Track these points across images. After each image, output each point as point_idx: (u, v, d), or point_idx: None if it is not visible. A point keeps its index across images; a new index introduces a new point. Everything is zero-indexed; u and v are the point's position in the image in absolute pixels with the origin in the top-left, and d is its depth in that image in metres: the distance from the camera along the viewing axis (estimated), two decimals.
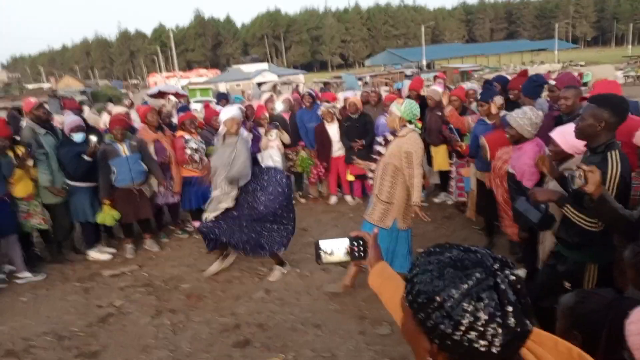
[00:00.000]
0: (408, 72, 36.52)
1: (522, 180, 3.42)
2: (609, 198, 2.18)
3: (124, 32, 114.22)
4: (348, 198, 6.95)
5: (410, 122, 3.87)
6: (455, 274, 0.74)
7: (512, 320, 0.70)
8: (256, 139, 6.51)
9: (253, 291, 4.40)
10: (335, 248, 1.42)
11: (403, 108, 3.83)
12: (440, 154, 6.07)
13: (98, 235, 5.75)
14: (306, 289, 4.36)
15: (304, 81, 34.73)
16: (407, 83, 9.43)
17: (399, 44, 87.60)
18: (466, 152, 4.99)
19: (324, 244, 1.42)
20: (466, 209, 5.71)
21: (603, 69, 19.81)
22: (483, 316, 0.69)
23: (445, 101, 5.21)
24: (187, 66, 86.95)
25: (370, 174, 4.25)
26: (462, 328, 0.70)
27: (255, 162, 5.65)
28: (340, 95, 7.81)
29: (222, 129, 4.56)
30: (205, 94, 33.05)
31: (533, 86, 4.24)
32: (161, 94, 11.35)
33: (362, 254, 1.42)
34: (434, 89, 6.04)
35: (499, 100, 4.33)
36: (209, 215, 4.53)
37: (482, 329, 0.69)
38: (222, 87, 34.50)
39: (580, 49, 79.95)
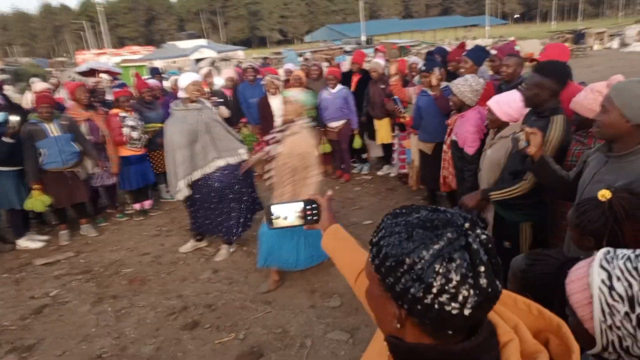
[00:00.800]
0: (348, 47, 36.46)
1: (464, 147, 3.51)
2: (548, 159, 2.27)
3: (46, 6, 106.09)
4: None
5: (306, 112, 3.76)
6: (425, 235, 0.70)
7: (484, 281, 0.67)
8: None
9: (199, 272, 4.29)
10: (288, 212, 1.37)
11: (305, 96, 3.73)
12: (383, 127, 6.12)
13: (27, 222, 5.37)
14: (254, 266, 4.29)
15: (243, 57, 33.83)
16: (348, 58, 9.42)
17: (338, 20, 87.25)
18: (409, 124, 5.05)
19: (276, 209, 1.37)
20: (408, 180, 5.83)
21: (530, 44, 20.74)
22: (455, 277, 0.66)
23: (392, 70, 5.19)
24: (119, 43, 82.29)
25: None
26: (434, 291, 0.67)
27: None
28: (281, 70, 7.66)
29: (181, 95, 4.24)
30: (140, 71, 31.46)
31: (478, 53, 4.33)
32: (92, 72, 10.68)
33: (315, 217, 1.39)
34: (377, 62, 6.04)
35: (437, 71, 4.38)
36: (178, 194, 4.29)
37: (454, 290, 0.66)
38: (158, 64, 32.93)
39: (509, 24, 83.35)
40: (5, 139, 4.67)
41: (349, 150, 6.52)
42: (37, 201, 4.91)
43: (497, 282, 0.70)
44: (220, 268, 4.33)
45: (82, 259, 4.81)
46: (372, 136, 6.47)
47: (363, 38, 43.63)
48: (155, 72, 7.61)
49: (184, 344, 3.25)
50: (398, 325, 0.75)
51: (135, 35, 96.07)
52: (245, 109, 6.65)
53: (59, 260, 4.80)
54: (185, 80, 4.21)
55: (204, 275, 4.21)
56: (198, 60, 28.28)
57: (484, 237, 0.71)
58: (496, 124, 2.97)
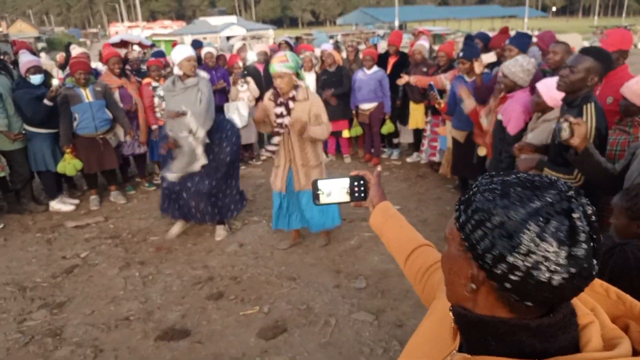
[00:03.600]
0: (380, 32, 35.98)
1: (507, 126, 3.38)
2: (593, 151, 2.17)
3: None
4: (327, 155, 6.85)
5: (298, 75, 3.54)
6: (524, 193, 0.64)
7: (581, 252, 0.61)
8: (225, 89, 6.26)
9: (226, 245, 4.31)
10: (334, 188, 1.34)
11: (291, 62, 3.40)
12: (419, 111, 6.00)
13: (60, 185, 5.48)
14: (280, 242, 4.29)
15: (273, 36, 33.69)
16: (383, 40, 9.27)
17: (372, 4, 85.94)
18: (444, 110, 4.93)
19: (323, 184, 1.33)
20: (440, 167, 5.73)
21: (571, 38, 20.02)
22: (549, 240, 0.60)
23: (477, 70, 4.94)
24: (151, 17, 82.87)
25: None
26: (522, 250, 0.61)
27: (219, 112, 5.42)
28: (318, 50, 7.57)
29: (176, 71, 4.05)
30: (168, 46, 31.64)
31: (522, 39, 4.16)
32: (123, 43, 10.76)
33: (363, 194, 1.35)
34: (421, 44, 5.89)
35: (487, 58, 4.24)
36: (173, 175, 4.14)
37: (545, 254, 0.61)
38: (188, 40, 33.08)
39: (548, 17, 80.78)
40: (46, 102, 4.73)
41: (380, 134, 6.43)
42: (69, 165, 4.99)
43: (595, 261, 0.63)
44: (247, 242, 4.35)
45: (111, 224, 4.88)
46: (404, 121, 6.36)
47: (396, 23, 42.91)
48: (196, 45, 7.59)
49: (208, 313, 3.28)
50: (473, 286, 0.70)
51: (167, 9, 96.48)
52: None
53: (89, 223, 4.89)
54: (179, 55, 3.96)
55: (230, 248, 4.23)
56: (229, 38, 28.28)
57: (588, 208, 0.64)
58: (540, 107, 2.86)
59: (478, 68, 4.26)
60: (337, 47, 7.77)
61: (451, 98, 4.76)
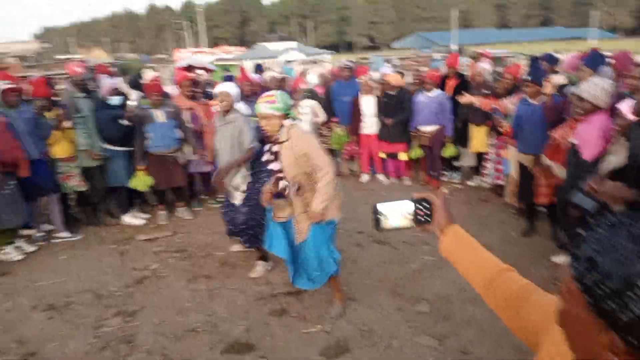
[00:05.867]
0: (437, 56, 35.75)
1: (582, 151, 3.25)
2: None
3: (153, 7, 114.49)
4: (380, 177, 6.85)
5: (288, 117, 3.16)
6: None
7: None
8: None
9: None
10: (396, 212, 1.26)
11: (279, 104, 3.07)
12: (480, 134, 5.89)
13: (132, 200, 5.80)
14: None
15: (331, 61, 34.31)
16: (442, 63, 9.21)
17: (428, 28, 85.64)
18: (509, 134, 4.82)
19: (383, 208, 1.26)
20: (504, 192, 5.57)
21: None
22: None
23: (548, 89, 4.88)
24: (214, 42, 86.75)
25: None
26: None
27: None
28: (374, 73, 7.66)
29: (217, 108, 4.17)
30: (231, 70, 32.89)
31: (595, 58, 4.01)
32: (190, 68, 11.36)
33: (428, 218, 1.26)
34: (483, 66, 5.84)
35: (557, 79, 4.13)
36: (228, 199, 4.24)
37: None
38: (248, 64, 34.32)
39: (618, 39, 77.09)
40: (122, 122, 5.07)
41: (441, 157, 6.36)
42: (141, 181, 5.30)
43: None
44: None
45: (178, 239, 5.10)
46: (465, 144, 6.27)
47: (454, 47, 42.52)
48: (258, 68, 7.91)
49: (272, 329, 3.33)
50: (615, 359, 0.62)
51: (229, 36, 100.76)
52: (338, 108, 6.72)
53: (158, 237, 5.13)
54: (220, 87, 4.13)
55: None
56: (288, 62, 29.05)
57: None
58: (625, 129, 2.74)
59: (548, 88, 4.14)
60: (398, 71, 7.80)
61: (516, 121, 4.65)
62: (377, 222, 1.26)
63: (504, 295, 1.13)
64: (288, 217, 3.41)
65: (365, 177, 6.90)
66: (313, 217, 3.17)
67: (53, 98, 5.12)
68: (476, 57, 9.71)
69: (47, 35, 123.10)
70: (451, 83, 6.41)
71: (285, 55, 36.33)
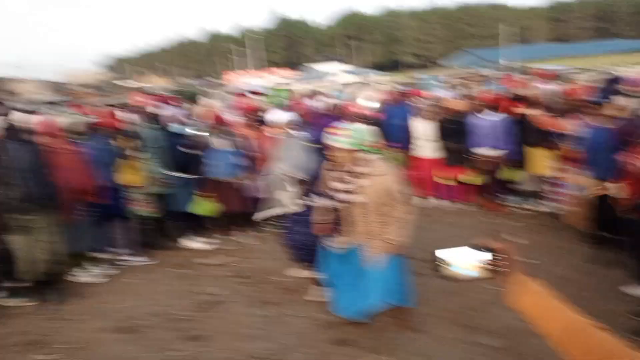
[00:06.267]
0: (487, 72, 35.06)
1: None
2: None
3: (207, 33, 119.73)
4: (435, 201, 6.77)
5: (362, 149, 3.14)
6: None
7: None
8: None
9: None
10: (459, 260, 1.24)
11: (354, 139, 3.07)
12: (541, 156, 5.72)
13: (195, 225, 6.01)
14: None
15: (380, 81, 34.47)
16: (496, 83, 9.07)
17: (478, 44, 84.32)
18: (574, 158, 4.65)
19: (444, 255, 1.24)
20: (567, 217, 5.35)
21: None
22: None
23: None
24: (264, 66, 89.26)
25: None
26: None
27: None
28: (427, 94, 7.64)
29: (275, 132, 4.57)
30: (282, 93, 33.70)
31: None
32: (242, 92, 11.79)
33: (495, 267, 1.21)
34: (541, 86, 5.71)
35: (621, 101, 3.99)
36: (269, 213, 4.47)
37: None
38: (298, 87, 35.07)
39: None
40: (185, 150, 5.32)
41: (499, 181, 6.20)
42: (203, 206, 5.51)
43: None
44: None
45: (239, 264, 5.23)
46: (525, 167, 6.09)
47: (505, 63, 41.59)
48: (313, 96, 8.09)
49: (333, 358, 3.34)
50: None
51: (278, 59, 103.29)
52: (391, 131, 6.73)
53: (223, 263, 5.28)
54: (279, 119, 4.58)
55: None
56: (337, 83, 29.39)
57: None
58: None
59: (614, 111, 3.99)
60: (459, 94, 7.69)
61: (585, 145, 4.49)
62: (437, 269, 1.25)
63: (587, 357, 1.05)
64: (348, 244, 3.40)
65: (419, 201, 6.83)
66: (387, 247, 3.18)
67: (123, 128, 5.45)
68: (529, 74, 9.47)
69: (111, 64, 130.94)
70: (507, 104, 6.29)
71: (334, 77, 36.89)
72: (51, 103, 17.23)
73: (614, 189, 4.32)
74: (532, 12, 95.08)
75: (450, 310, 3.88)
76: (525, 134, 5.80)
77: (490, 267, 1.21)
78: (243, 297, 4.40)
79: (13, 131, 4.10)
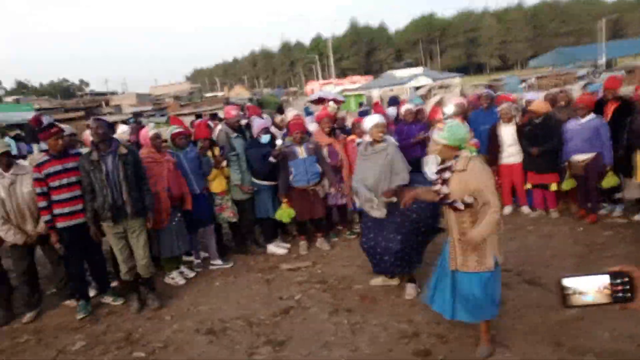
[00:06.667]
0: (581, 72, 32.76)
1: None
2: None
3: (286, 44, 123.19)
4: (525, 209, 6.39)
5: (459, 148, 3.17)
6: None
7: None
8: (426, 142, 6.36)
9: None
10: (589, 287, 1.17)
11: (445, 133, 3.14)
12: None
13: (276, 231, 6.17)
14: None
15: (461, 84, 33.40)
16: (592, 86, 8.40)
17: (569, 42, 78.85)
18: None
19: (572, 283, 1.18)
20: None
21: None
22: None
23: None
24: (342, 73, 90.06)
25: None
26: None
27: (416, 165, 5.49)
28: (518, 97, 7.25)
29: (366, 138, 4.48)
30: (357, 99, 33.88)
31: None
32: (321, 100, 11.88)
33: (629, 294, 1.15)
34: None
35: None
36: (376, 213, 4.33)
37: None
38: (375, 93, 34.95)
39: None
40: (271, 159, 5.47)
41: (598, 188, 5.72)
42: (285, 213, 5.62)
43: None
44: None
45: (318, 270, 5.28)
46: (629, 173, 5.56)
47: (601, 61, 38.57)
48: (393, 102, 7.99)
49: None
50: None
51: (356, 66, 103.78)
52: (477, 136, 6.46)
53: (300, 267, 5.37)
54: (369, 123, 4.39)
55: None
56: (417, 88, 28.94)
57: None
58: None
59: None
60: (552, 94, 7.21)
61: None
62: (564, 298, 1.19)
63: None
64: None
65: (507, 210, 6.47)
66: (468, 241, 3.12)
67: (215, 138, 5.74)
68: (631, 72, 8.67)
69: (196, 76, 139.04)
70: (611, 107, 5.78)
71: (412, 82, 36.36)
72: (147, 114, 18.60)
73: None
74: (628, 4, 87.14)
75: (543, 325, 3.63)
76: (632, 137, 5.30)
77: (615, 292, 1.16)
78: (323, 303, 4.42)
79: (111, 144, 4.33)
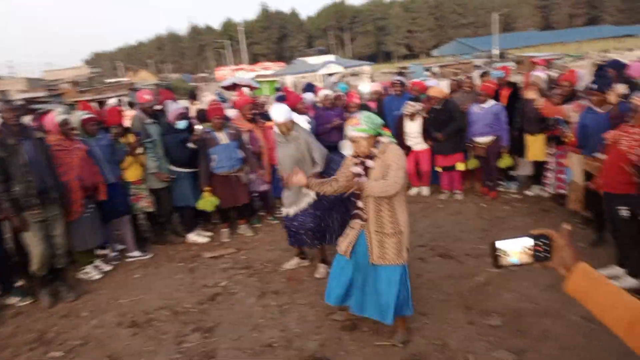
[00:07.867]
0: (478, 62, 35.21)
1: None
2: None
3: (194, 27, 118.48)
4: (424, 190, 6.86)
5: (379, 134, 3.20)
6: None
7: None
8: (342, 127, 6.55)
9: None
10: (515, 248, 1.30)
11: (364, 125, 3.09)
12: (537, 143, 5.81)
13: (196, 219, 6.05)
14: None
15: (371, 72, 34.49)
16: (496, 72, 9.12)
17: (468, 33, 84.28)
18: (573, 144, 4.74)
19: (502, 245, 1.31)
20: (566, 201, 5.45)
21: None
22: None
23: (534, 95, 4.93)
24: (253, 59, 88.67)
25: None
26: None
27: (334, 149, 5.66)
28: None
29: (276, 130, 4.43)
30: (272, 86, 33.67)
31: None
32: (234, 86, 11.69)
33: (547, 255, 1.28)
34: (537, 75, 5.78)
35: (621, 88, 4.06)
36: (290, 210, 4.48)
37: None
38: (288, 80, 34.90)
39: None
40: (190, 145, 5.33)
41: (498, 168, 6.30)
42: (208, 201, 5.53)
43: None
44: None
45: (242, 256, 5.28)
46: (521, 153, 6.19)
47: (495, 52, 41.74)
48: (309, 88, 8.08)
49: (345, 344, 3.41)
50: None
51: (268, 52, 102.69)
52: (390, 122, 6.78)
53: (223, 255, 5.33)
54: (278, 117, 4.28)
55: None
56: (330, 75, 29.32)
57: None
58: None
59: (613, 97, 4.07)
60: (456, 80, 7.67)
61: (581, 130, 4.57)
62: (495, 259, 1.31)
63: None
64: (360, 229, 3.37)
65: (413, 191, 6.90)
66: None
67: (128, 125, 5.45)
68: (521, 62, 9.55)
69: (96, 60, 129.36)
70: (504, 93, 6.37)
71: (324, 69, 36.79)
72: (42, 102, 17.06)
73: (591, 165, 4.42)
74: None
75: (455, 293, 3.98)
76: (523, 121, 5.87)
77: (537, 252, 1.28)
78: (250, 288, 4.46)
79: (24, 129, 4.12)
